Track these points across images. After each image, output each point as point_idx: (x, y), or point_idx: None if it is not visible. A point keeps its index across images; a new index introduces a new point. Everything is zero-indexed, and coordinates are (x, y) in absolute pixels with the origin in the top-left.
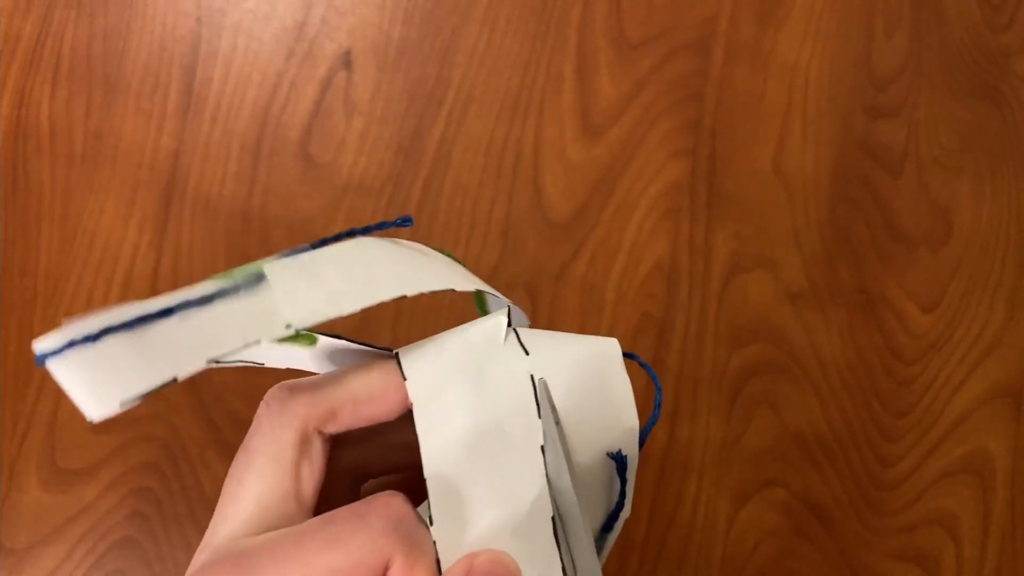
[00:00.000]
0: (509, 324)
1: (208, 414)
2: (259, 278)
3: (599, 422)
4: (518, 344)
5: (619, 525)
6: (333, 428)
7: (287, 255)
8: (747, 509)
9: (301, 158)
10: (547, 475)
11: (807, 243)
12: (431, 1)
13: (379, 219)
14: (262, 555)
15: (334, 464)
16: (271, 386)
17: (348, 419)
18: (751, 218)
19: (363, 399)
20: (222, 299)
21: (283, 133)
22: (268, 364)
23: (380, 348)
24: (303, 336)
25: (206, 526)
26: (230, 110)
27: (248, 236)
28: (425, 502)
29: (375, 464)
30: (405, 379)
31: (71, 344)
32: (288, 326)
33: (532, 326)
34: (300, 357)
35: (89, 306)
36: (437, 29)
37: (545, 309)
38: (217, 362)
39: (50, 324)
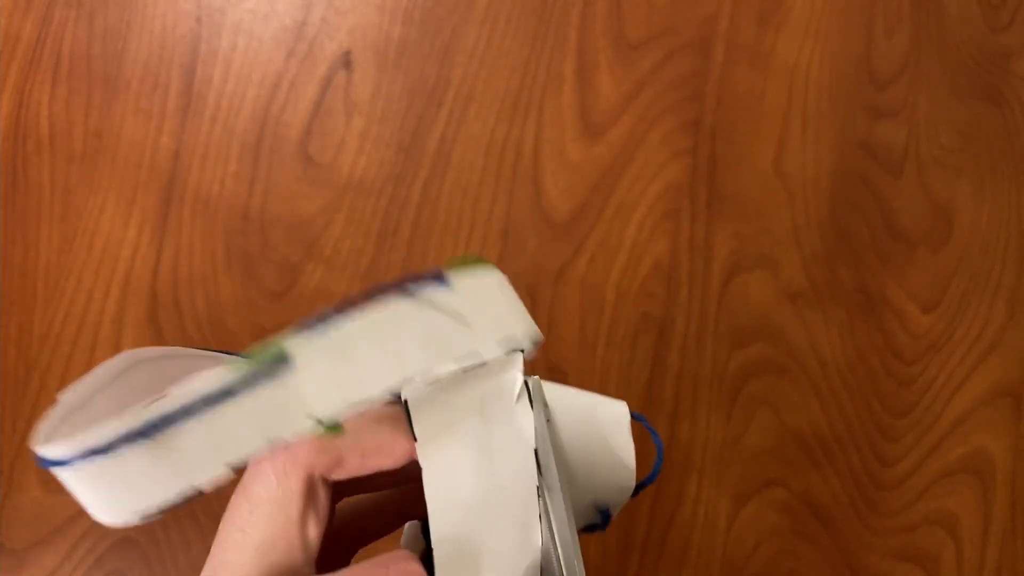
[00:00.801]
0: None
1: None
2: (283, 360)
3: (598, 478)
4: (528, 403)
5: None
6: (340, 476)
7: (313, 328)
8: (747, 509)
9: (301, 158)
10: (552, 531)
11: (807, 243)
12: (431, 1)
13: (379, 219)
14: None
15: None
16: None
17: (354, 469)
18: (751, 218)
19: (371, 451)
20: (244, 390)
21: (283, 133)
22: None
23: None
24: (330, 428)
25: (205, 526)
26: (230, 110)
27: (248, 236)
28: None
29: (357, 491)
30: (415, 439)
31: (84, 455)
32: (316, 419)
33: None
34: None
35: (89, 306)
36: (437, 29)
37: (545, 309)
38: (235, 468)
39: (50, 324)
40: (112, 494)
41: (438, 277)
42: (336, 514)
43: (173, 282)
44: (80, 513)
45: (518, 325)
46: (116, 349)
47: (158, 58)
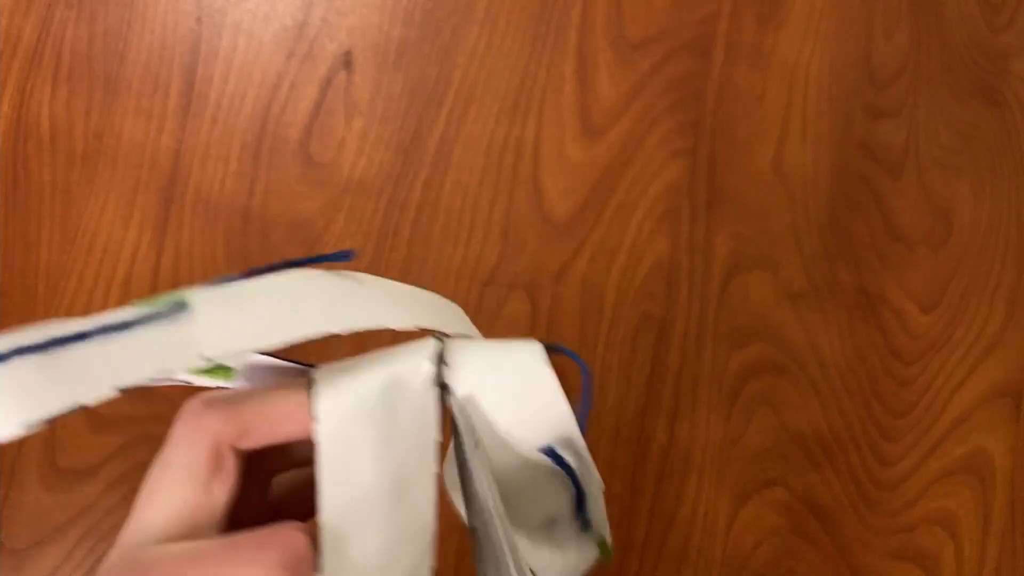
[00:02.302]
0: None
1: None
2: (182, 306)
3: (533, 421)
4: (433, 388)
5: (595, 501)
6: (247, 445)
7: (216, 284)
8: (747, 509)
9: (301, 158)
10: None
11: (807, 243)
12: (431, 1)
13: (379, 219)
14: (156, 567)
15: (250, 468)
16: None
17: (262, 437)
18: (751, 218)
19: (277, 420)
20: (142, 326)
21: (283, 133)
22: (192, 382)
23: (304, 365)
24: (220, 370)
25: None
26: (230, 110)
27: (248, 236)
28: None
29: (286, 465)
30: (314, 418)
31: None
32: (206, 358)
33: (532, 327)
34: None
35: (89, 306)
36: (437, 29)
37: (545, 309)
38: (123, 390)
39: None
40: (5, 403)
41: (344, 253)
42: (275, 490)
43: (174, 282)
44: (80, 513)
45: (440, 312)
46: None
47: (159, 58)
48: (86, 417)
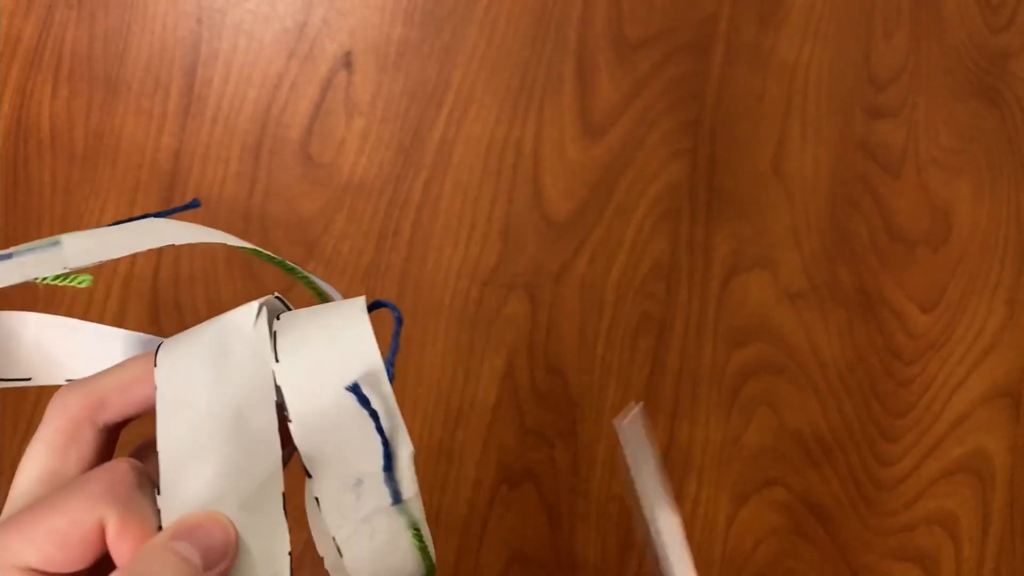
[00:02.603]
0: (274, 314)
1: None
2: (55, 243)
3: (341, 360)
4: (267, 327)
5: (403, 463)
6: (108, 416)
7: (83, 230)
8: (747, 509)
9: (301, 158)
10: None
11: (807, 243)
12: (431, 1)
13: (379, 219)
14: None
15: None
16: None
17: (119, 406)
18: (751, 218)
19: (127, 385)
20: (20, 255)
21: (283, 133)
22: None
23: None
24: (82, 277)
25: None
26: (231, 110)
27: (248, 236)
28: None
29: None
30: (156, 366)
31: None
32: (65, 266)
33: (532, 327)
34: (82, 365)
35: (89, 306)
36: (437, 30)
37: (545, 309)
38: None
39: None
40: None
41: (192, 203)
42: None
43: (174, 282)
44: None
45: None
46: None
47: (159, 59)
48: None
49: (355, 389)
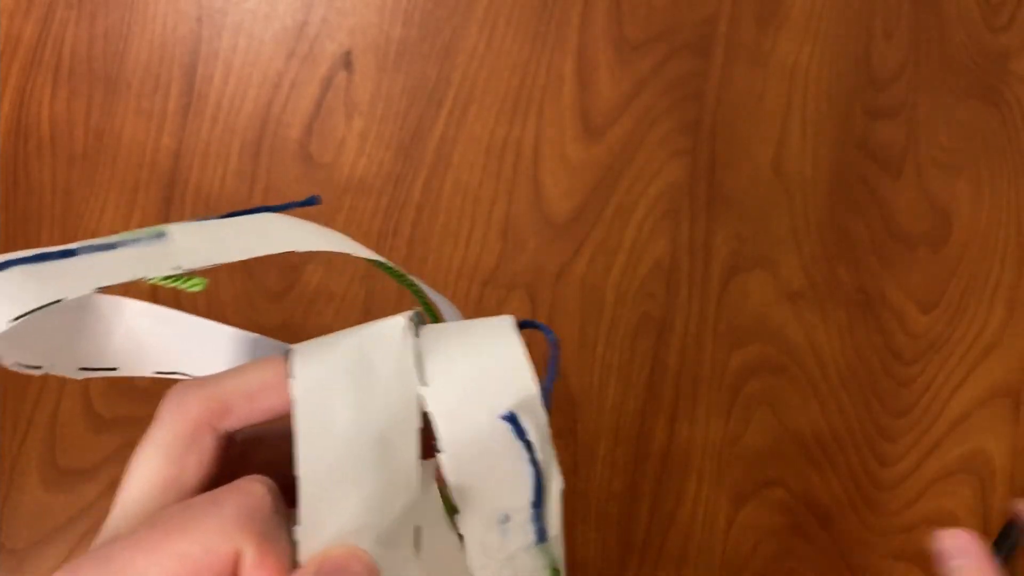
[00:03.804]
0: (420, 325)
1: None
2: (160, 234)
3: (495, 388)
4: (413, 345)
5: (553, 500)
6: (230, 423)
7: (191, 221)
8: (747, 509)
9: (301, 158)
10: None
11: (807, 243)
12: (431, 1)
13: (379, 219)
14: (120, 545)
15: (249, 462)
16: None
17: (244, 413)
18: (751, 218)
19: (255, 392)
20: (123, 247)
21: (283, 133)
22: (182, 374)
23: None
24: (195, 280)
25: None
26: (231, 110)
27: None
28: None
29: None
30: (291, 376)
31: None
32: (176, 267)
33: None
34: (211, 361)
35: None
36: (437, 29)
37: (545, 309)
38: (100, 289)
39: None
40: None
41: (311, 199)
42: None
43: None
44: (80, 513)
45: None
46: None
47: (159, 58)
48: (86, 417)
49: (511, 419)
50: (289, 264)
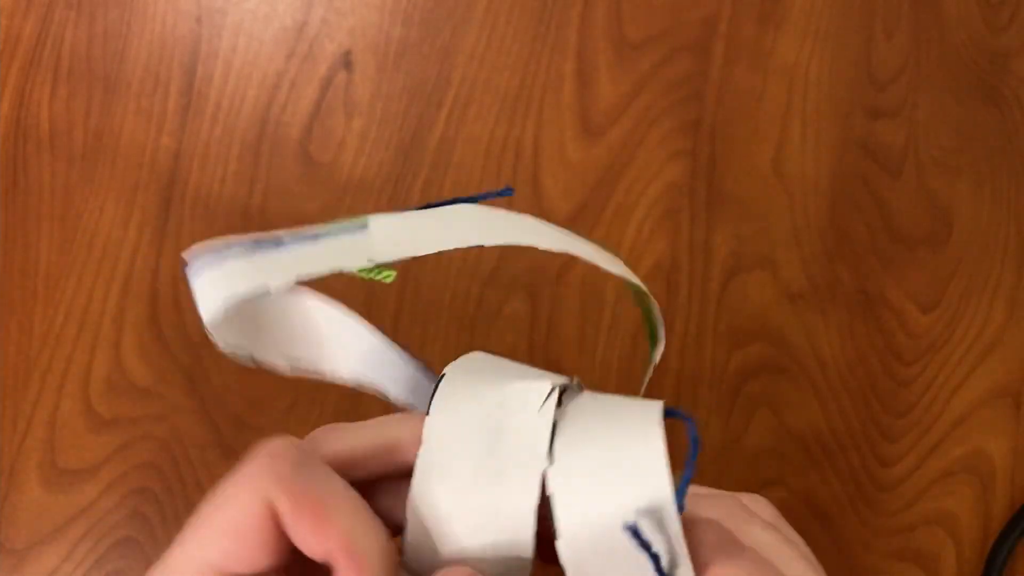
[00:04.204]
0: (560, 395)
1: (208, 414)
2: (362, 225)
3: (623, 485)
4: (552, 417)
5: None
6: (356, 475)
7: (393, 212)
8: None
9: (301, 158)
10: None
11: (807, 243)
12: (431, 1)
13: None
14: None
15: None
16: (271, 387)
17: (372, 469)
18: (751, 218)
19: (389, 450)
20: (327, 237)
21: (283, 133)
22: (330, 379)
23: (430, 375)
24: (387, 272)
25: None
26: (230, 110)
27: None
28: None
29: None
30: (428, 412)
31: (206, 254)
32: (370, 259)
33: (532, 327)
34: (354, 368)
35: (89, 306)
36: (437, 29)
37: (545, 309)
38: (301, 280)
39: (50, 324)
40: (211, 285)
41: (505, 190)
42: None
43: (173, 282)
44: (80, 513)
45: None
46: (116, 349)
47: (158, 58)
48: (86, 417)
49: (635, 530)
50: None
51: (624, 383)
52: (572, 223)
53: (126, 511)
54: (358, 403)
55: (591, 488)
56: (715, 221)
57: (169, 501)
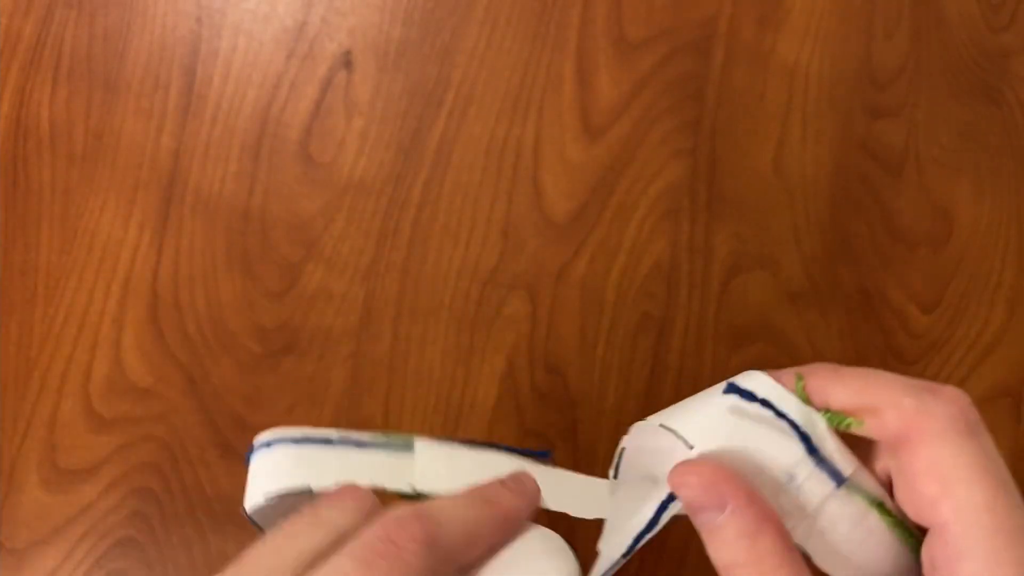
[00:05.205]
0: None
1: (208, 414)
2: (408, 445)
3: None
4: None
5: (824, 438)
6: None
7: (438, 438)
8: None
9: (301, 158)
10: None
11: (807, 243)
12: (431, 1)
13: (379, 219)
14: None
15: None
16: (271, 387)
17: (457, 554)
18: (751, 218)
19: (472, 541)
20: (374, 448)
21: (283, 133)
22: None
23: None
24: (418, 494)
25: (206, 526)
26: (230, 110)
27: (248, 236)
28: None
29: None
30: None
31: (263, 445)
32: (412, 487)
33: (532, 327)
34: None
35: (89, 306)
36: (437, 29)
37: (545, 309)
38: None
39: (50, 324)
40: (259, 478)
41: (544, 453)
42: None
43: (173, 282)
44: (80, 513)
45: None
46: (116, 349)
47: (158, 59)
48: (86, 417)
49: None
50: (289, 264)
51: (624, 382)
52: (572, 223)
53: (126, 511)
54: (358, 403)
55: None
56: (715, 221)
57: (169, 501)
